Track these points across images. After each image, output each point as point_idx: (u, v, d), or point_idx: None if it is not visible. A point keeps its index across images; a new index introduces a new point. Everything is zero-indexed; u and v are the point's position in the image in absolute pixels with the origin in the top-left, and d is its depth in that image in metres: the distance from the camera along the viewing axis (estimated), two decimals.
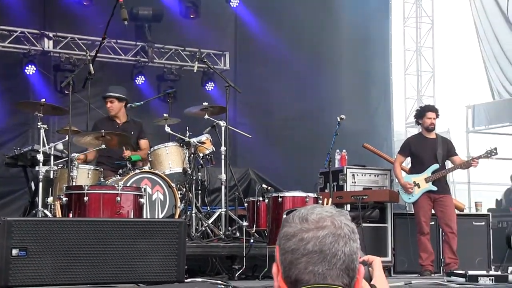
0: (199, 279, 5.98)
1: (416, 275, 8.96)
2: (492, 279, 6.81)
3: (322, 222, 1.79)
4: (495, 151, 9.43)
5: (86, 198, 6.86)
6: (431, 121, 9.26)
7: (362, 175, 9.62)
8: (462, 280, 6.86)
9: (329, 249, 1.76)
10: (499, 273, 8.28)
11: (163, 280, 5.22)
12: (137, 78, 12.72)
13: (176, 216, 7.92)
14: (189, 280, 5.74)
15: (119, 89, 9.16)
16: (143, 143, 9.15)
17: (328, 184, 9.32)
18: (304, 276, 1.76)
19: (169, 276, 5.25)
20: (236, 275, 7.59)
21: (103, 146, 8.04)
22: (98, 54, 9.41)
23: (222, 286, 5.55)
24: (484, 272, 7.04)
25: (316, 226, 1.78)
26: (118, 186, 7.07)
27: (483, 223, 10.09)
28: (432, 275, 8.88)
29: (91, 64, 8.26)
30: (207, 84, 13.07)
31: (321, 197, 7.95)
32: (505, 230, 11.60)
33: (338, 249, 1.77)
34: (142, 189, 7.39)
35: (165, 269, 5.25)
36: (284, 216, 1.74)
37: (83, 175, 8.05)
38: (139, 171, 8.09)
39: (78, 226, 5.22)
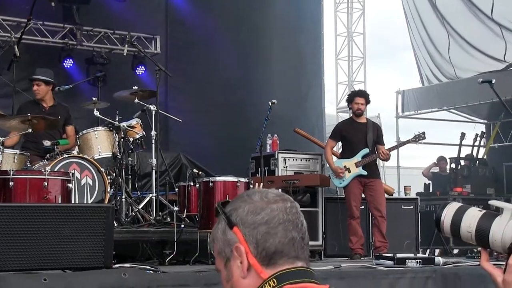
0: (128, 265, 5.92)
1: (346, 258, 9.06)
2: (420, 261, 6.93)
3: (283, 197, 1.84)
4: (423, 136, 9.60)
5: (11, 183, 6.71)
6: (358, 106, 9.35)
7: (293, 159, 9.67)
8: (390, 263, 6.96)
9: (297, 218, 1.82)
10: (426, 255, 8.43)
11: (90, 266, 5.15)
12: (65, 61, 12.49)
13: (106, 201, 7.84)
14: (117, 266, 5.67)
15: (46, 72, 8.98)
16: (70, 129, 8.98)
17: (259, 168, 9.35)
18: (284, 247, 1.77)
19: (96, 262, 5.18)
20: (167, 260, 7.56)
21: (30, 130, 7.86)
22: (24, 36, 9.21)
23: (151, 271, 5.50)
24: (411, 255, 7.15)
25: (281, 199, 1.83)
26: (45, 171, 6.94)
27: (412, 207, 10.27)
28: (362, 258, 8.98)
29: (16, 46, 8.09)
30: (137, 68, 12.94)
31: (252, 181, 7.96)
32: (433, 214, 11.84)
33: (302, 219, 1.84)
34: (70, 174, 7.28)
35: (92, 255, 5.17)
36: (218, 204, 1.73)
37: (8, 159, 7.87)
38: (67, 155, 7.97)
39: (3, 212, 5.10)
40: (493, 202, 1.87)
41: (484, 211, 1.85)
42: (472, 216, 1.85)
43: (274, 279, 1.75)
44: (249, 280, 1.77)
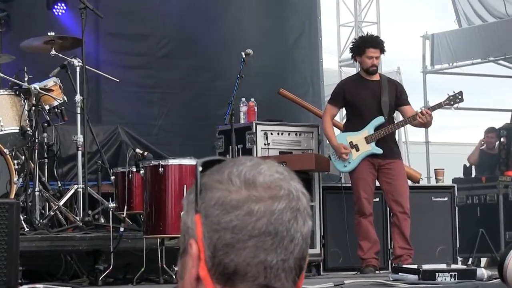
0: (40, 286, 5.93)
1: (355, 272, 9.11)
2: (455, 275, 6.97)
3: (277, 190, 1.76)
4: (460, 97, 9.61)
5: None
6: (372, 61, 9.32)
7: (278, 134, 9.69)
8: (414, 277, 7.00)
9: (287, 230, 1.75)
10: (465, 267, 8.48)
11: None
12: None
13: (11, 196, 7.84)
14: (25, 287, 5.68)
15: None
16: None
17: (230, 147, 9.35)
18: (250, 269, 1.72)
19: None
20: (101, 278, 7.60)
21: None
22: None
23: None
24: (444, 266, 7.19)
25: (270, 195, 1.75)
26: None
27: (446, 199, 10.31)
28: (377, 272, 9.03)
29: None
30: (55, 7, 12.85)
31: None
32: (476, 208, 11.91)
33: (297, 230, 1.76)
34: None
35: None
36: (200, 168, 1.62)
37: None
38: None
39: None
40: None
41: None
42: None
43: None
44: None
